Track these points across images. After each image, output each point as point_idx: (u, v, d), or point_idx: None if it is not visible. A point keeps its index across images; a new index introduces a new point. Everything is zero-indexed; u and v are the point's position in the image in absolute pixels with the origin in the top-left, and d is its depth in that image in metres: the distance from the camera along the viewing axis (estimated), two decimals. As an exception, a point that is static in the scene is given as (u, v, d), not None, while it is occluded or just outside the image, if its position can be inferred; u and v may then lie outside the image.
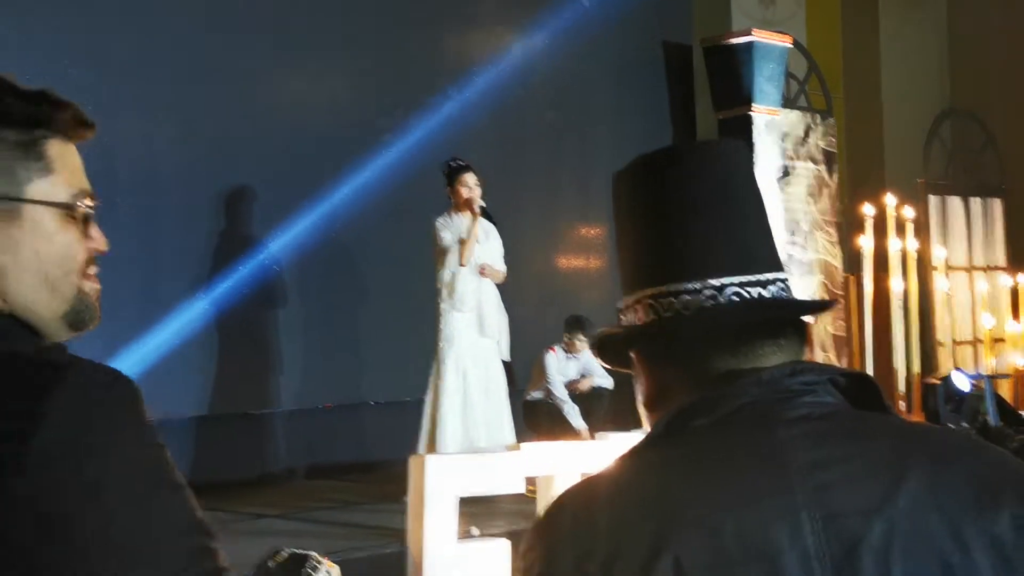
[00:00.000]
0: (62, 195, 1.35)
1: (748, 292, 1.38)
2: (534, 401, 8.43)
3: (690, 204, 1.40)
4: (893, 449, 1.29)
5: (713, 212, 1.40)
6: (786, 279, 1.42)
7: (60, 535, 1.14)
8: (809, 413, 1.31)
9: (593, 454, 5.17)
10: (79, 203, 1.37)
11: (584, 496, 1.32)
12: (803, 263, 10.61)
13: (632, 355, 1.45)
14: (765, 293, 1.39)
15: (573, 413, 8.19)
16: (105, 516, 1.17)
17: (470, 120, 8.90)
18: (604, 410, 8.50)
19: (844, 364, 10.83)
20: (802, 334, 1.41)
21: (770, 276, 1.40)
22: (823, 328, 10.73)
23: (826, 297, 10.74)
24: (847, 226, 11.28)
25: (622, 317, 1.47)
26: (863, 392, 1.37)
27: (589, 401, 8.43)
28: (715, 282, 1.37)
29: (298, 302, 8.26)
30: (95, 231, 1.39)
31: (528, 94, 9.43)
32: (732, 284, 1.38)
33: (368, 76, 8.72)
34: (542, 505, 4.93)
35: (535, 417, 8.30)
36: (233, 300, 7.76)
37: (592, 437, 7.23)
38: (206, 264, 7.81)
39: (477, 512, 5.72)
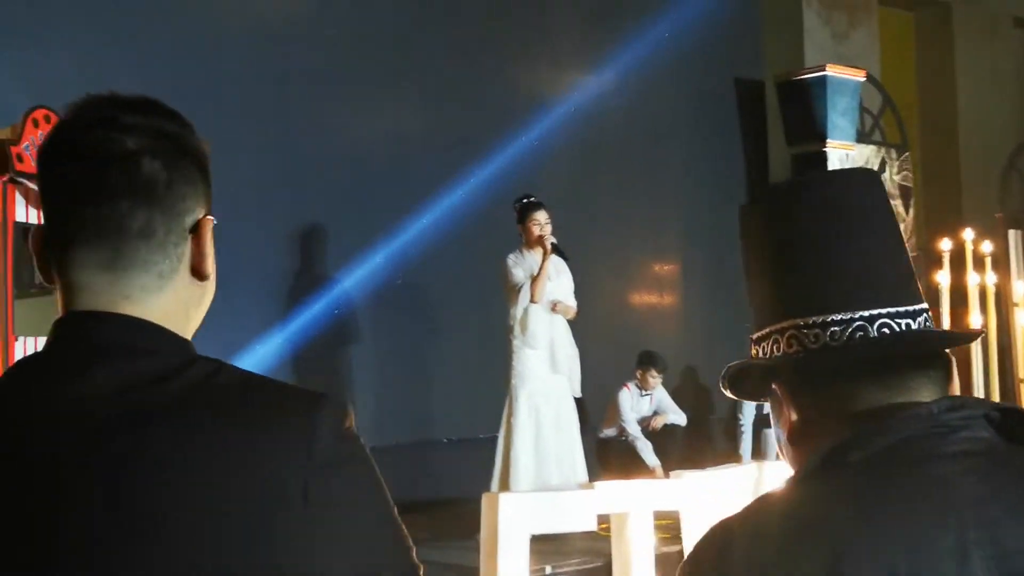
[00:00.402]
0: None
1: (897, 324, 1.37)
2: (607, 438, 8.40)
3: (832, 235, 1.40)
4: None
5: (856, 243, 1.40)
6: (928, 309, 1.41)
7: (323, 563, 1.21)
8: (968, 449, 1.30)
9: (667, 492, 5.13)
10: None
11: (737, 531, 1.30)
12: (879, 299, 10.49)
13: (774, 387, 1.44)
14: (913, 325, 1.38)
15: (647, 450, 8.16)
16: (357, 538, 1.25)
17: (541, 156, 8.93)
18: (678, 447, 8.45)
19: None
20: (948, 366, 1.39)
21: (916, 307, 1.39)
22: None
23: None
24: (924, 261, 11.15)
25: (756, 348, 1.46)
26: (1018, 427, 1.34)
27: (663, 438, 8.39)
28: (864, 313, 1.37)
29: (371, 339, 8.30)
30: None
31: (599, 130, 9.44)
32: (881, 316, 1.37)
33: (440, 113, 8.78)
34: (615, 543, 4.88)
35: (608, 454, 8.27)
36: (307, 337, 7.82)
37: (666, 474, 7.19)
38: (280, 301, 7.89)
39: (549, 550, 5.70)
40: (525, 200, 7.25)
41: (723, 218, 10.59)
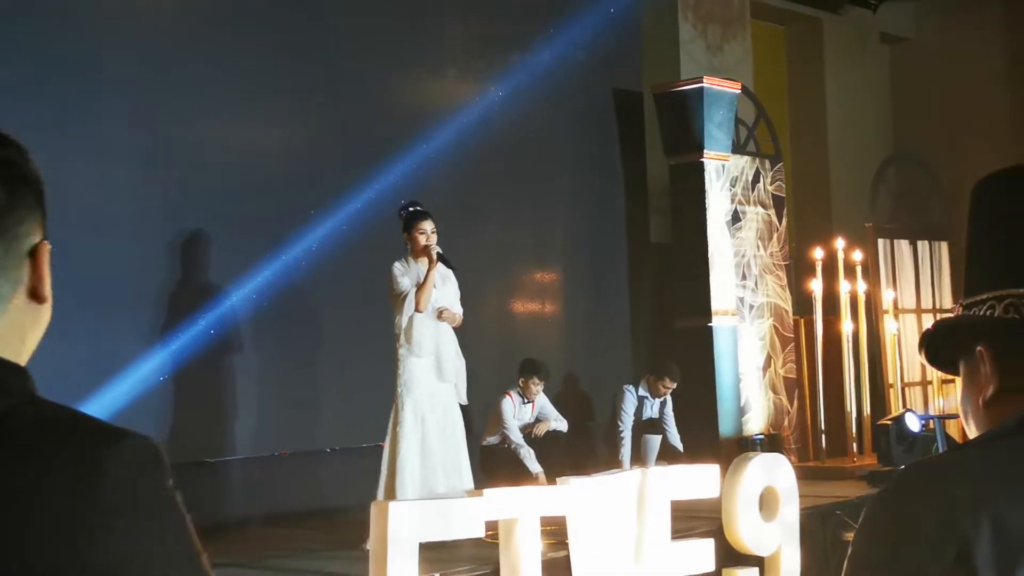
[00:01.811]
0: None
1: None
2: (490, 446, 8.47)
3: None
4: None
5: None
6: None
7: None
8: None
9: (554, 498, 5.20)
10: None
11: (936, 471, 1.40)
12: (754, 306, 10.73)
13: (979, 350, 1.50)
14: None
15: (529, 457, 8.23)
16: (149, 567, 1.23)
17: (427, 166, 8.96)
18: (560, 453, 8.55)
19: (795, 407, 10.94)
20: None
21: None
22: (773, 371, 10.83)
23: (777, 340, 10.86)
24: (796, 269, 11.43)
25: (967, 313, 1.54)
26: None
27: (545, 445, 8.48)
28: None
29: (254, 350, 8.24)
30: None
31: (484, 140, 9.50)
32: None
33: (326, 124, 8.75)
34: (504, 549, 4.94)
35: (492, 462, 8.33)
36: (189, 349, 7.74)
37: (549, 481, 7.27)
38: (162, 312, 7.78)
39: (438, 558, 5.73)
40: (411, 208, 7.26)
41: (603, 227, 10.81)
